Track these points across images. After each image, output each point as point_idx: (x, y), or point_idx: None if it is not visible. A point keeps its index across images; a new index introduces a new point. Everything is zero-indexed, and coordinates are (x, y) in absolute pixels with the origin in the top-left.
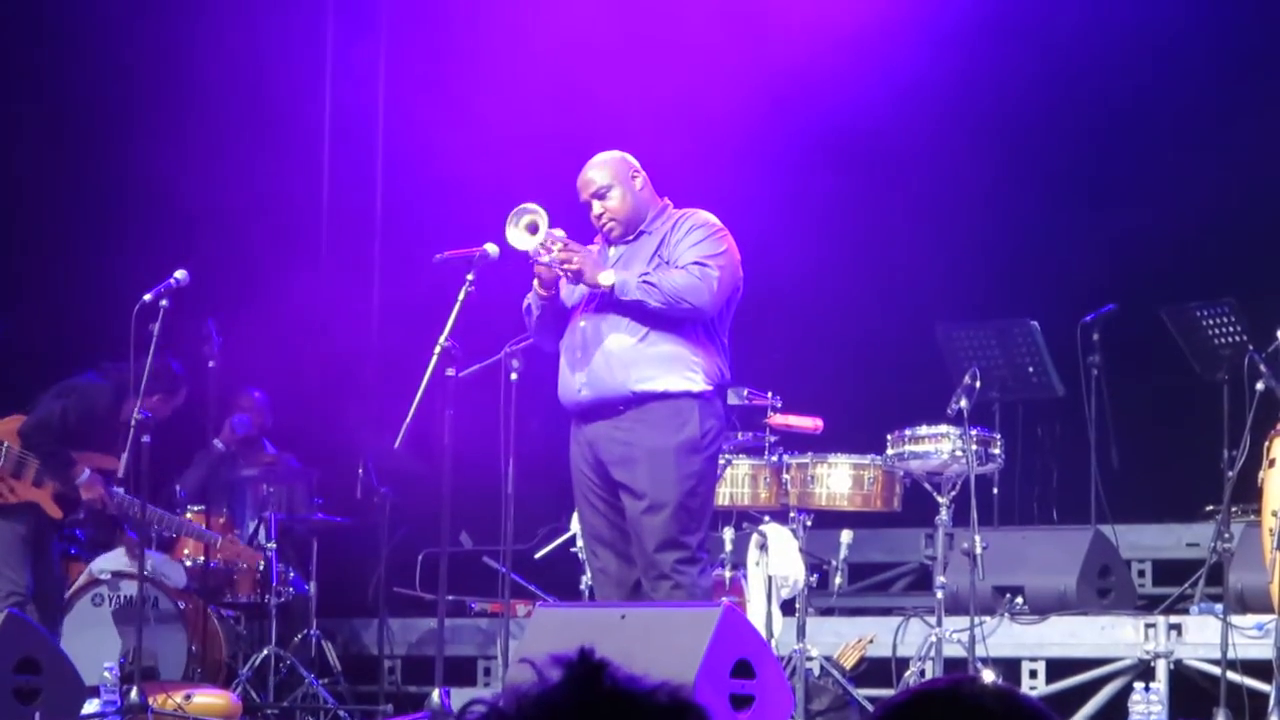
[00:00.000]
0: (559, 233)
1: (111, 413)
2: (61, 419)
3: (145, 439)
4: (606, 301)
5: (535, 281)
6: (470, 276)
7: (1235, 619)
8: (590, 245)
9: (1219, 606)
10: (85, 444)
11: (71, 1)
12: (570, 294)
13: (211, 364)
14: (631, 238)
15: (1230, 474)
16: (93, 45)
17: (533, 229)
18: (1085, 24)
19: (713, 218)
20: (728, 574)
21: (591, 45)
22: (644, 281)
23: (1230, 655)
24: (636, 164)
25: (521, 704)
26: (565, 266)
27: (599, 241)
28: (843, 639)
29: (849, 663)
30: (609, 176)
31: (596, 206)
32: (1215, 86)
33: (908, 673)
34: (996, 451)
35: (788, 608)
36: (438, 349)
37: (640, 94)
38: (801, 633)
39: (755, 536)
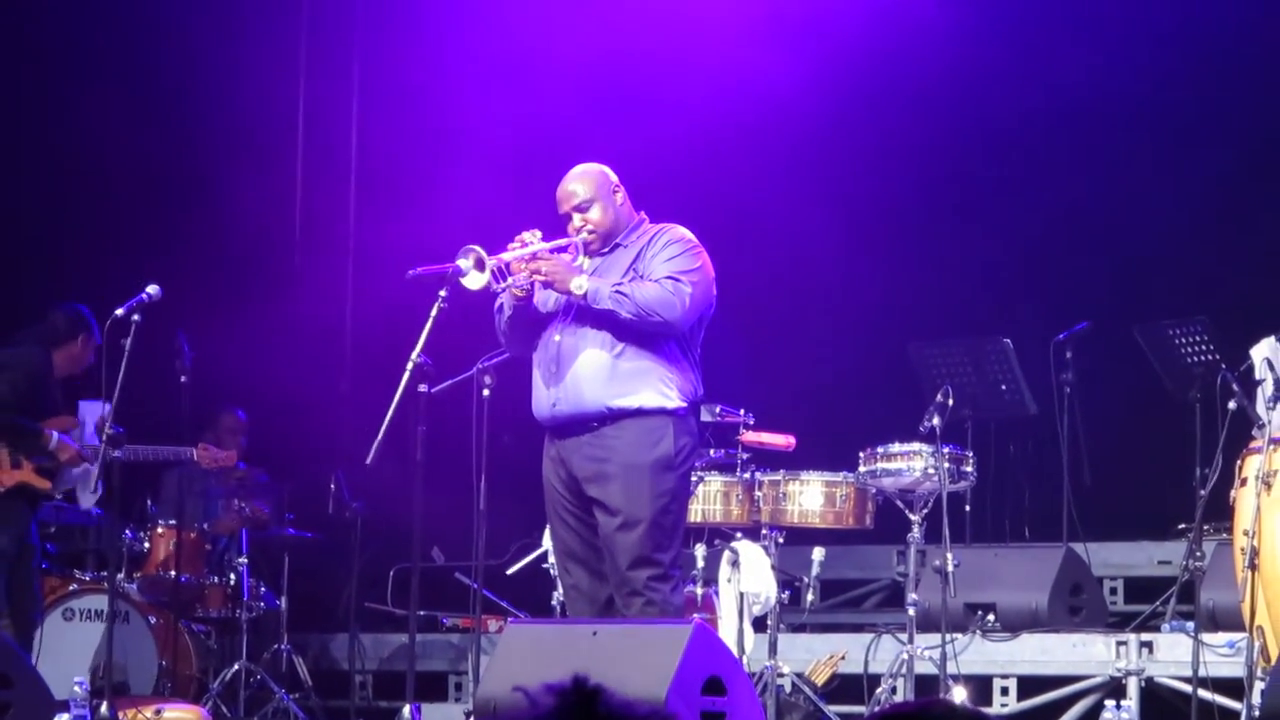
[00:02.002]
0: (534, 235)
1: (49, 372)
2: (12, 392)
3: (116, 454)
4: (582, 315)
5: (508, 279)
6: (443, 293)
7: (1206, 637)
8: (564, 254)
9: (1190, 624)
10: (38, 410)
11: (39, 21)
12: (544, 300)
13: (183, 379)
14: (607, 250)
15: (1202, 492)
16: (66, 57)
17: (479, 264)
18: (1059, 45)
19: (688, 234)
20: (699, 591)
21: (563, 63)
22: (616, 291)
23: (1201, 673)
24: (615, 178)
25: None
26: (536, 276)
27: (573, 251)
28: (814, 656)
29: (820, 680)
30: (591, 190)
31: (577, 219)
32: (1188, 106)
33: (879, 689)
34: (969, 469)
35: (759, 624)
36: (410, 365)
37: (615, 111)
38: (773, 649)
39: (727, 553)
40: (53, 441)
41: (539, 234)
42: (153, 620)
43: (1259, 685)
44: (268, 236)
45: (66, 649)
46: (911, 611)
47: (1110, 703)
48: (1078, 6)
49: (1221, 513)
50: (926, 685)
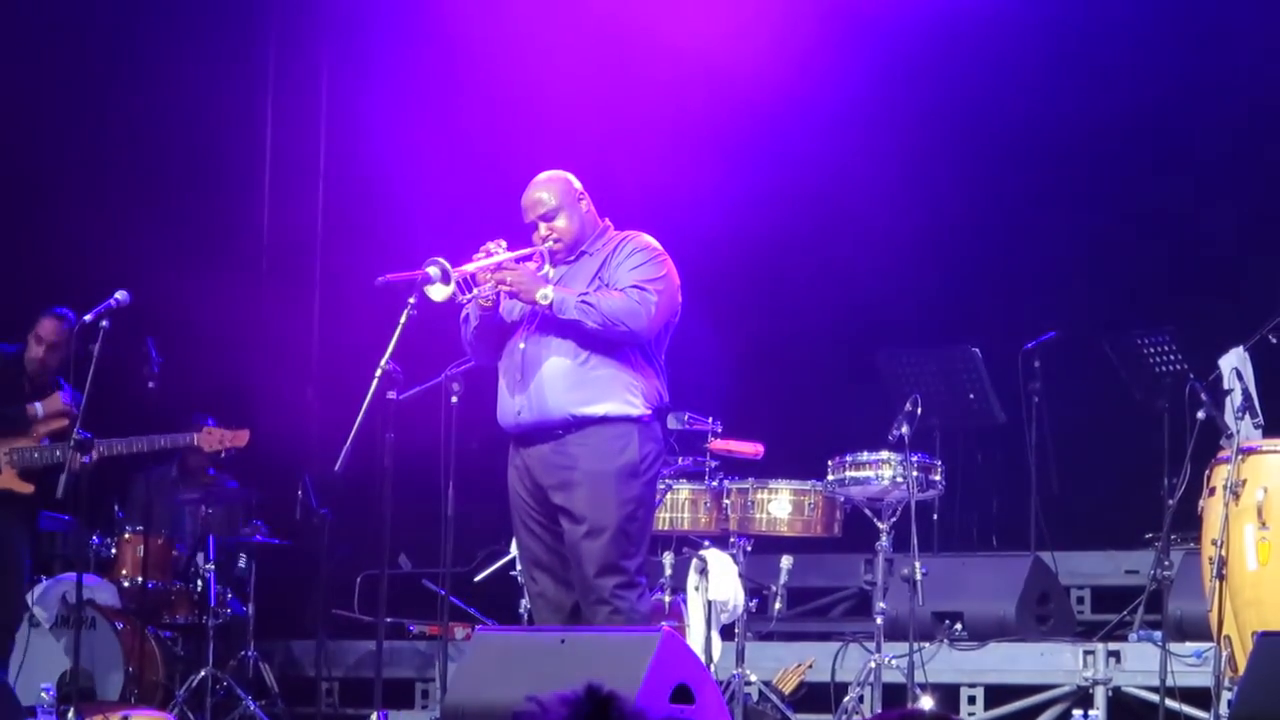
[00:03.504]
0: (499, 244)
1: (15, 365)
2: None
3: (85, 460)
4: (546, 323)
5: (474, 291)
6: (412, 300)
7: (1174, 646)
8: (529, 263)
9: (1158, 634)
10: (5, 402)
11: (8, 32)
12: (510, 310)
13: (151, 384)
14: (573, 258)
15: (1170, 502)
16: (35, 68)
17: (445, 276)
18: (1027, 56)
19: (654, 241)
20: (667, 598)
21: (529, 66)
22: (582, 301)
23: (1169, 683)
24: (580, 185)
25: None
26: (501, 287)
27: (538, 260)
28: (782, 664)
29: (788, 688)
30: (556, 198)
31: (543, 229)
32: (1156, 115)
33: (846, 698)
34: (937, 478)
35: (727, 632)
36: (379, 372)
37: (581, 116)
38: (741, 657)
39: (695, 561)
40: (37, 411)
41: (504, 244)
42: (120, 626)
43: (1226, 695)
44: (236, 242)
45: (33, 655)
46: (879, 620)
47: (1078, 712)
48: (1046, 25)
49: (1190, 522)
50: (894, 694)
